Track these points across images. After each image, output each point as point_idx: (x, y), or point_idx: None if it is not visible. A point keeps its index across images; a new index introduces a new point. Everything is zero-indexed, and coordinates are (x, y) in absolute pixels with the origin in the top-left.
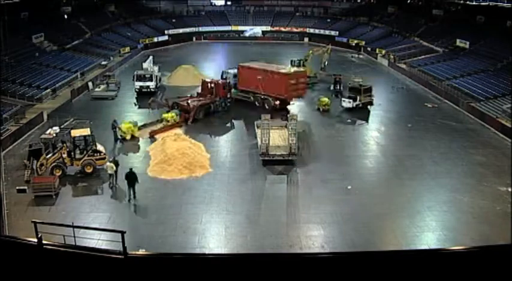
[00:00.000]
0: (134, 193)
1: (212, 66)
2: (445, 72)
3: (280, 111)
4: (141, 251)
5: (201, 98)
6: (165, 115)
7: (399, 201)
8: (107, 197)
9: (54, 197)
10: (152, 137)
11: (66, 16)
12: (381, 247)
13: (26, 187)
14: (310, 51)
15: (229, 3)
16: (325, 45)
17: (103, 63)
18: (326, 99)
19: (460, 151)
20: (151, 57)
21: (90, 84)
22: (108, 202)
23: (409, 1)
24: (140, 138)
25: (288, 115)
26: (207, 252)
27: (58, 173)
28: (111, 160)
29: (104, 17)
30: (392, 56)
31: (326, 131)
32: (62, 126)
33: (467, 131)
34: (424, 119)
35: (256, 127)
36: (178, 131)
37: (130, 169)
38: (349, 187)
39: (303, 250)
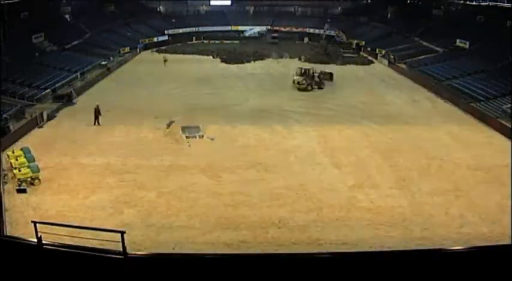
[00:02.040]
0: None
1: None
2: (445, 72)
3: None
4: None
5: None
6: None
7: None
8: None
9: None
10: None
11: (66, 16)
12: None
13: (25, 187)
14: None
15: (228, 3)
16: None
17: (103, 63)
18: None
19: None
20: None
21: None
22: None
23: (409, 1)
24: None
25: None
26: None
27: None
28: None
29: (104, 17)
30: (392, 56)
31: None
32: None
33: None
34: None
35: None
36: None
37: None
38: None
39: None
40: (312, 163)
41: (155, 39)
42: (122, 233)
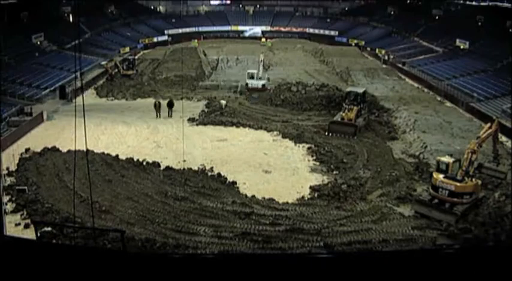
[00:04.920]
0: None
1: None
2: (445, 72)
3: None
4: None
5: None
6: None
7: None
8: None
9: None
10: None
11: (67, 15)
12: None
13: (25, 187)
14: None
15: (228, 2)
16: None
17: (103, 63)
18: None
19: None
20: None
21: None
22: None
23: (409, 1)
24: None
25: None
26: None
27: None
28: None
29: (104, 17)
30: (387, 56)
31: None
32: None
33: None
34: None
35: None
36: None
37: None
38: None
39: None
40: None
41: (155, 39)
42: (122, 233)
